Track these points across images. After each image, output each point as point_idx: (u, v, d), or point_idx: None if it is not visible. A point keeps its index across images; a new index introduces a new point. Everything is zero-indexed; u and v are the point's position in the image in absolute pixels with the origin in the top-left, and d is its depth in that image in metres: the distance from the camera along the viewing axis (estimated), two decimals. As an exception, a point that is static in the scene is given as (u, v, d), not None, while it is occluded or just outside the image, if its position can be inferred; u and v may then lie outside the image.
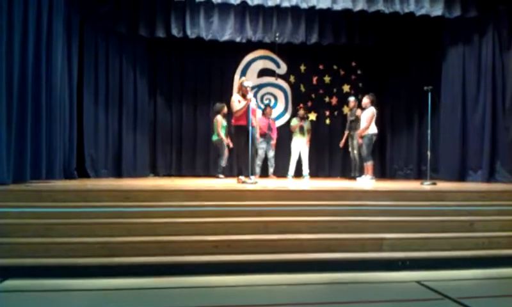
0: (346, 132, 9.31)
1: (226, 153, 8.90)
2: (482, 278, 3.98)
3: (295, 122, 9.75)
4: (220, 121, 8.87)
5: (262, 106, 9.98)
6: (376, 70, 10.84)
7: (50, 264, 3.78)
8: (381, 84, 10.67)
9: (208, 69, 10.57)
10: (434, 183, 6.71)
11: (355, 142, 8.82)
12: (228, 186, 5.65)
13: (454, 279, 3.90)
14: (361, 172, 8.63)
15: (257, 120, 7.08)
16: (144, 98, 9.71)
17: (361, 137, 8.32)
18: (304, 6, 7.88)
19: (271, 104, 10.53)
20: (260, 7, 8.39)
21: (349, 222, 4.64)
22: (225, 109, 8.95)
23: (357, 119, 8.81)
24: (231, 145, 8.87)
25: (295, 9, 8.28)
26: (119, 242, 4.11)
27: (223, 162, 8.90)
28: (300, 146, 9.61)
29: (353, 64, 10.88)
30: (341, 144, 9.50)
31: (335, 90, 10.84)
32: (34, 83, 5.95)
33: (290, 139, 9.87)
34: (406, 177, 9.75)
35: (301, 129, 9.60)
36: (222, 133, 8.87)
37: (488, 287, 3.78)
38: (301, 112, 9.83)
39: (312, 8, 7.95)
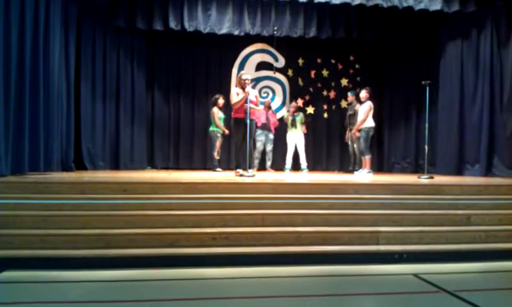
0: (346, 127, 9.35)
1: (218, 144, 8.87)
2: (479, 271, 3.99)
3: (286, 115, 9.81)
4: (216, 112, 8.86)
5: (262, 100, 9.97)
6: (374, 64, 10.85)
7: (48, 256, 3.77)
8: (379, 78, 10.69)
9: (206, 62, 10.58)
10: (432, 177, 6.72)
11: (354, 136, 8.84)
12: (226, 179, 5.63)
13: (451, 272, 3.91)
14: (359, 166, 8.65)
15: (258, 112, 7.08)
16: (142, 91, 9.71)
17: (359, 130, 8.34)
18: (302, -1, 7.88)
19: (269, 98, 10.52)
20: (258, 1, 8.40)
21: (346, 215, 4.64)
22: (220, 101, 8.93)
23: (355, 114, 8.82)
24: (226, 132, 8.87)
25: (293, 2, 8.30)
26: (116, 234, 4.10)
27: (215, 154, 8.88)
28: (294, 139, 9.60)
29: (351, 58, 10.89)
30: (345, 137, 9.50)
31: (333, 84, 10.85)
32: (31, 76, 5.92)
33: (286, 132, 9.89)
34: (404, 171, 9.79)
35: (293, 122, 9.58)
36: (220, 123, 8.87)
37: (485, 280, 3.80)
38: (293, 104, 9.81)
39: (310, 2, 7.96)
